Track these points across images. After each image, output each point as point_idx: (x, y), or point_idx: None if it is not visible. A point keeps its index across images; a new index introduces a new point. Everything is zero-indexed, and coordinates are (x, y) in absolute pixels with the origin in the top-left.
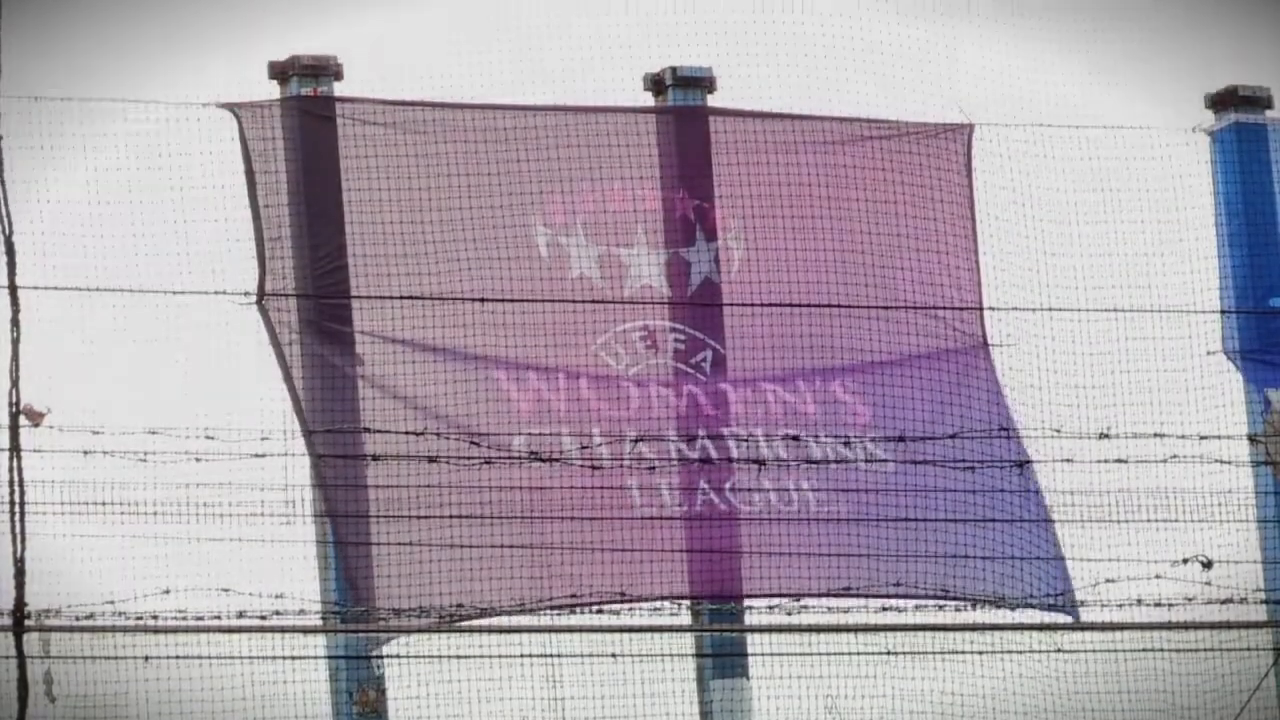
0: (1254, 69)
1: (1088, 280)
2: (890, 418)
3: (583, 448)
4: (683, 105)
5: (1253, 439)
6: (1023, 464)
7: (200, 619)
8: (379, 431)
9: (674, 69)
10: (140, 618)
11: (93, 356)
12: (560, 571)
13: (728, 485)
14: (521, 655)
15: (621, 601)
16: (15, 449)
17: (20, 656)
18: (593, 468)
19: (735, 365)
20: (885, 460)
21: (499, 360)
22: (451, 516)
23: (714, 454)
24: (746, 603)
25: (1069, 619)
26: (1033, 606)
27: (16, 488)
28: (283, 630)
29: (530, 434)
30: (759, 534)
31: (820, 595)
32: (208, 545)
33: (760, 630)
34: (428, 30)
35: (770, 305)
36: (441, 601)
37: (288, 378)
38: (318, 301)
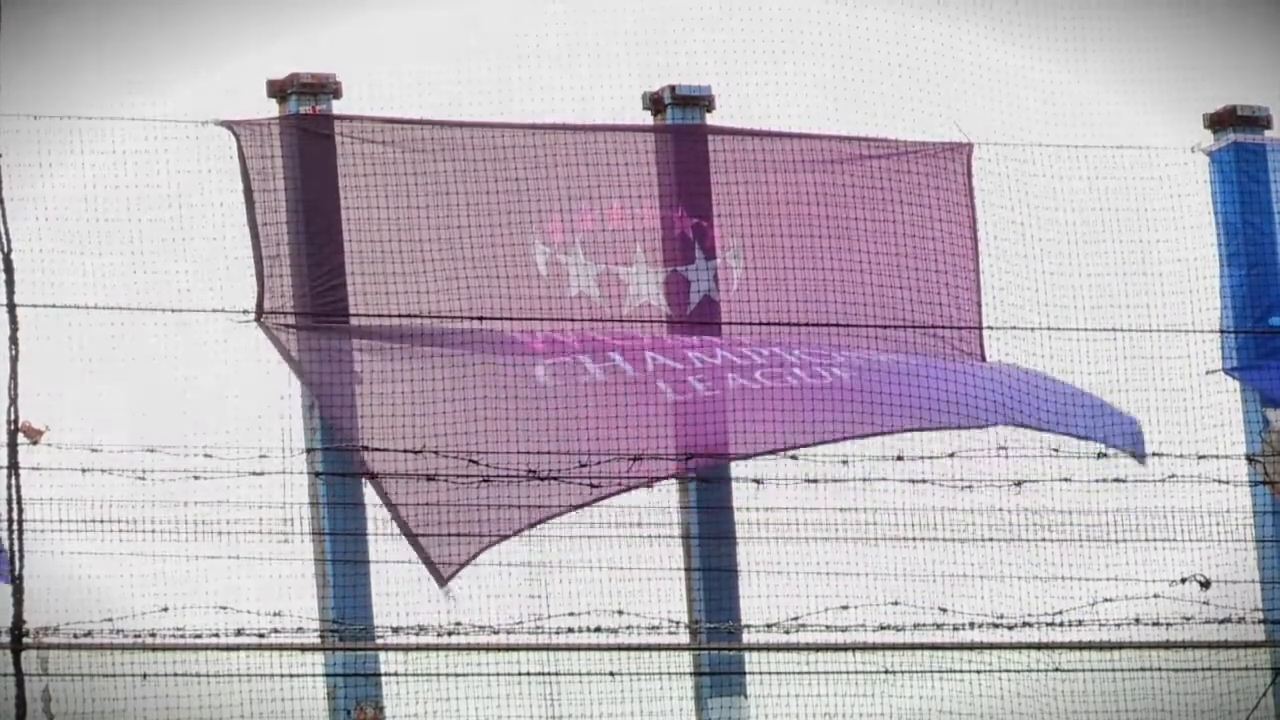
0: (1253, 89)
1: (1086, 299)
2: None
3: (581, 465)
4: (682, 124)
5: (1251, 459)
6: (1020, 483)
7: (198, 637)
8: (377, 450)
9: (673, 88)
10: (138, 635)
11: (91, 374)
12: (559, 590)
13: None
14: (520, 674)
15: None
16: (14, 467)
17: (18, 674)
18: (591, 486)
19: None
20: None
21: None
22: (451, 535)
23: (736, 361)
24: (744, 621)
25: (1140, 457)
26: (1105, 449)
27: (15, 505)
28: (281, 648)
29: (548, 363)
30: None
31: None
32: (206, 563)
33: (758, 649)
34: (427, 49)
35: (769, 324)
36: (439, 619)
37: (310, 386)
38: (316, 319)
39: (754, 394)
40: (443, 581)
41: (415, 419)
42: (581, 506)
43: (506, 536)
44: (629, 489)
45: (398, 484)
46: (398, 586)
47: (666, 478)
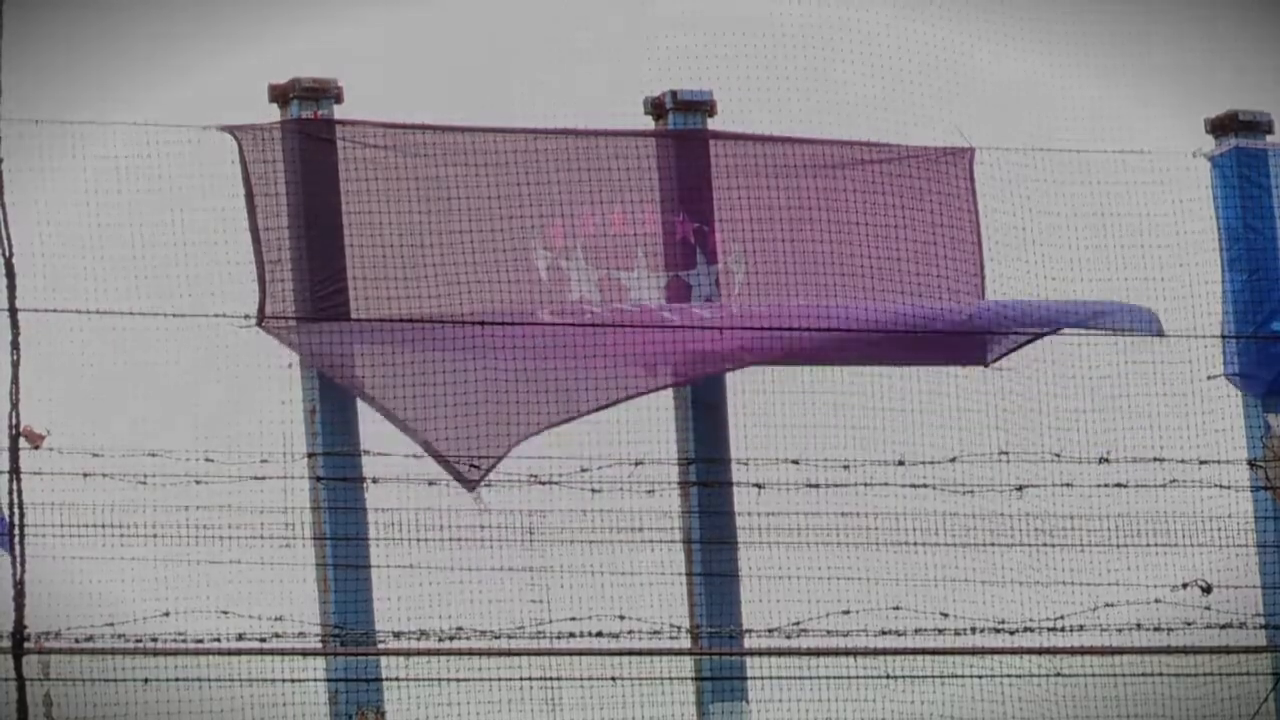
0: (1254, 94)
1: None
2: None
3: (582, 470)
4: (683, 129)
5: (1252, 464)
6: (1021, 488)
7: (200, 641)
8: (378, 454)
9: (674, 93)
10: (140, 640)
11: (92, 379)
12: (560, 594)
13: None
14: (521, 678)
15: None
16: (15, 471)
17: (20, 679)
18: (593, 491)
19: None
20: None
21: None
22: (452, 539)
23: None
24: (745, 626)
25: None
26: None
27: (16, 510)
28: (282, 653)
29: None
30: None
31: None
32: (207, 567)
33: (759, 654)
34: (428, 53)
35: (771, 329)
36: (441, 624)
37: (318, 376)
38: (317, 324)
39: (757, 315)
40: (471, 486)
41: (418, 356)
42: (601, 409)
43: (534, 432)
44: (641, 394)
45: (405, 405)
46: (399, 591)
47: (673, 385)
